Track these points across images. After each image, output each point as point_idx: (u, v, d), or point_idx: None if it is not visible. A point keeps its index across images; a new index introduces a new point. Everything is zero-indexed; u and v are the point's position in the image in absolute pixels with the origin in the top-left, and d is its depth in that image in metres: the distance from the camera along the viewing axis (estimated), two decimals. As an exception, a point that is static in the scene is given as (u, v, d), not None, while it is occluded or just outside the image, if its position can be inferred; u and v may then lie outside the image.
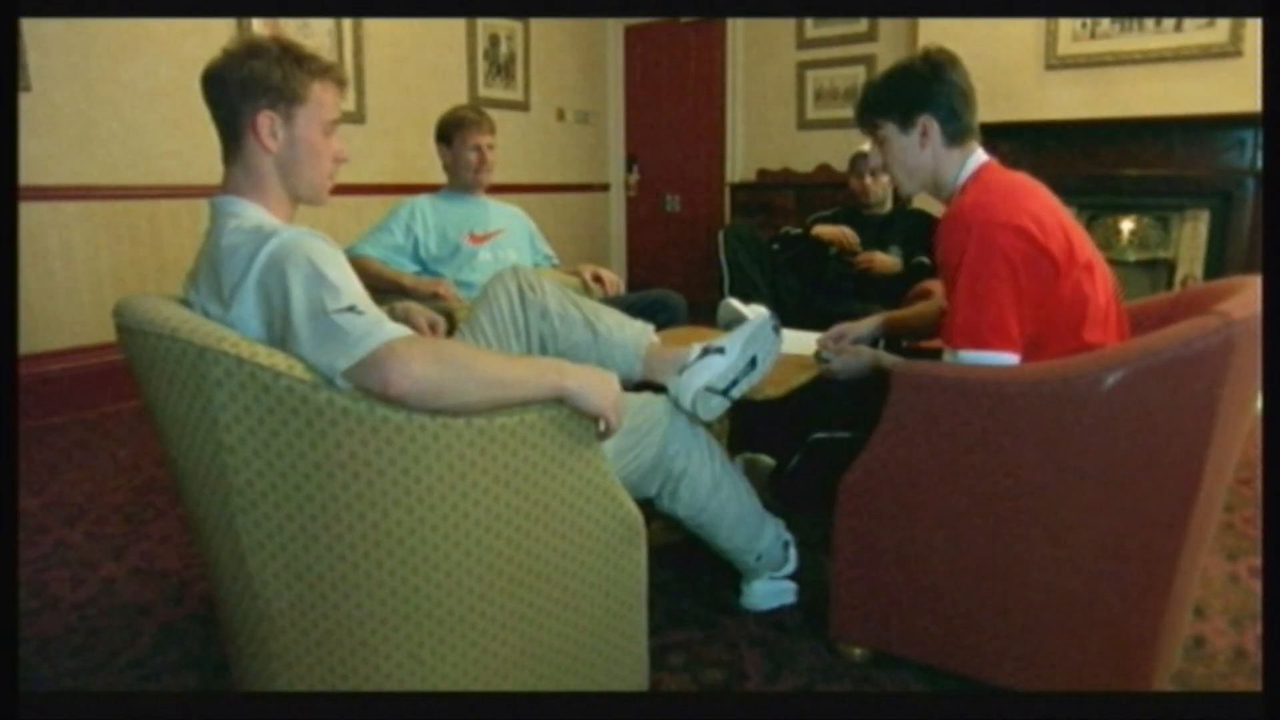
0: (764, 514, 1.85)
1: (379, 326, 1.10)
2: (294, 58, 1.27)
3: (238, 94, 1.24)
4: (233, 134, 1.28)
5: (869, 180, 3.09)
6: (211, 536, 1.18)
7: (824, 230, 3.07)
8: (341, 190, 1.54)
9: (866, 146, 2.81)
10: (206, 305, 1.21)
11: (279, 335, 1.13)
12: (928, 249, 2.86)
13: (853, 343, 2.04)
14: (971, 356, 1.49)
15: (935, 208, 2.29)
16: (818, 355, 1.94)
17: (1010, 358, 1.48)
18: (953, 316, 1.52)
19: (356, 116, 4.49)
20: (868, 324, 2.13)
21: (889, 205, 3.17)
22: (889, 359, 1.79)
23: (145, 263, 3.81)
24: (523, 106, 5.56)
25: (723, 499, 1.73)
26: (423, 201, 2.79)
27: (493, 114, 2.87)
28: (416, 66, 4.84)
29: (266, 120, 1.26)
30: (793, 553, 1.92)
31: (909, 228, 3.07)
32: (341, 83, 1.34)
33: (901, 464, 1.52)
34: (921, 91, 1.62)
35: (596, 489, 1.33)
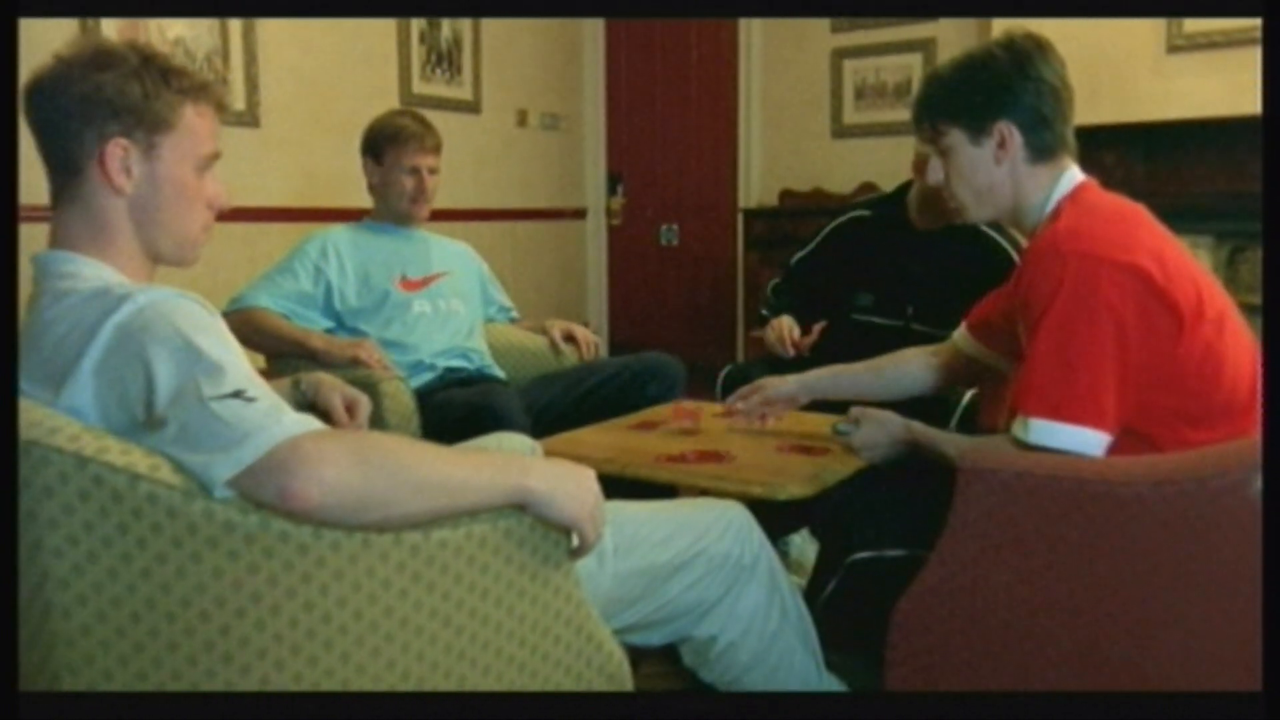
0: (820, 680, 1.80)
1: (275, 418, 1.09)
2: (159, 70, 1.27)
3: (78, 115, 1.23)
4: (67, 169, 1.25)
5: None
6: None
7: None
8: (229, 217, 1.53)
9: None
10: (33, 396, 1.18)
11: (131, 433, 1.11)
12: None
13: (768, 400, 2.11)
14: (1047, 429, 1.50)
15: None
16: (834, 429, 1.95)
17: (1099, 438, 1.48)
18: (1030, 374, 1.54)
19: (247, 118, 4.50)
20: (794, 378, 2.16)
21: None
22: (925, 430, 1.78)
23: None
24: (472, 108, 5.64)
25: (767, 670, 1.70)
26: (338, 235, 2.81)
27: (432, 116, 2.91)
28: (329, 53, 4.88)
29: (118, 151, 1.24)
30: None
31: (964, 259, 2.71)
32: (221, 105, 1.36)
33: (973, 588, 1.51)
34: (1001, 90, 1.64)
35: (566, 625, 1.32)
